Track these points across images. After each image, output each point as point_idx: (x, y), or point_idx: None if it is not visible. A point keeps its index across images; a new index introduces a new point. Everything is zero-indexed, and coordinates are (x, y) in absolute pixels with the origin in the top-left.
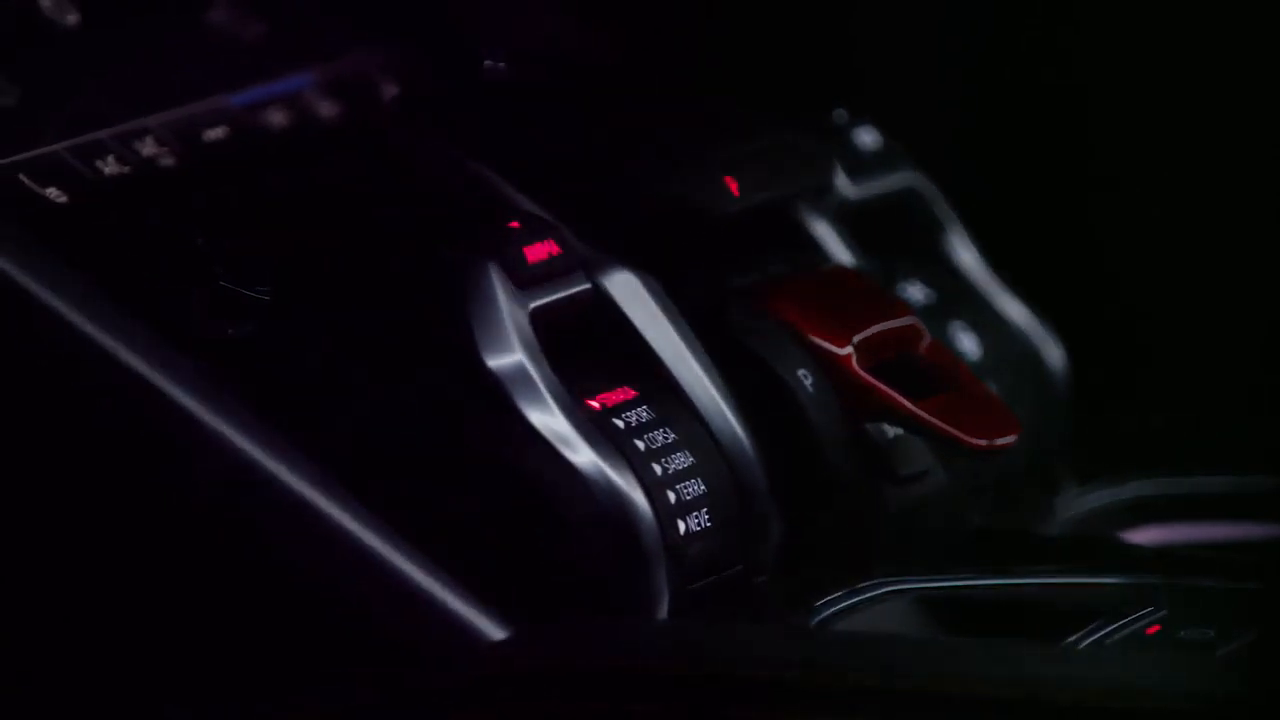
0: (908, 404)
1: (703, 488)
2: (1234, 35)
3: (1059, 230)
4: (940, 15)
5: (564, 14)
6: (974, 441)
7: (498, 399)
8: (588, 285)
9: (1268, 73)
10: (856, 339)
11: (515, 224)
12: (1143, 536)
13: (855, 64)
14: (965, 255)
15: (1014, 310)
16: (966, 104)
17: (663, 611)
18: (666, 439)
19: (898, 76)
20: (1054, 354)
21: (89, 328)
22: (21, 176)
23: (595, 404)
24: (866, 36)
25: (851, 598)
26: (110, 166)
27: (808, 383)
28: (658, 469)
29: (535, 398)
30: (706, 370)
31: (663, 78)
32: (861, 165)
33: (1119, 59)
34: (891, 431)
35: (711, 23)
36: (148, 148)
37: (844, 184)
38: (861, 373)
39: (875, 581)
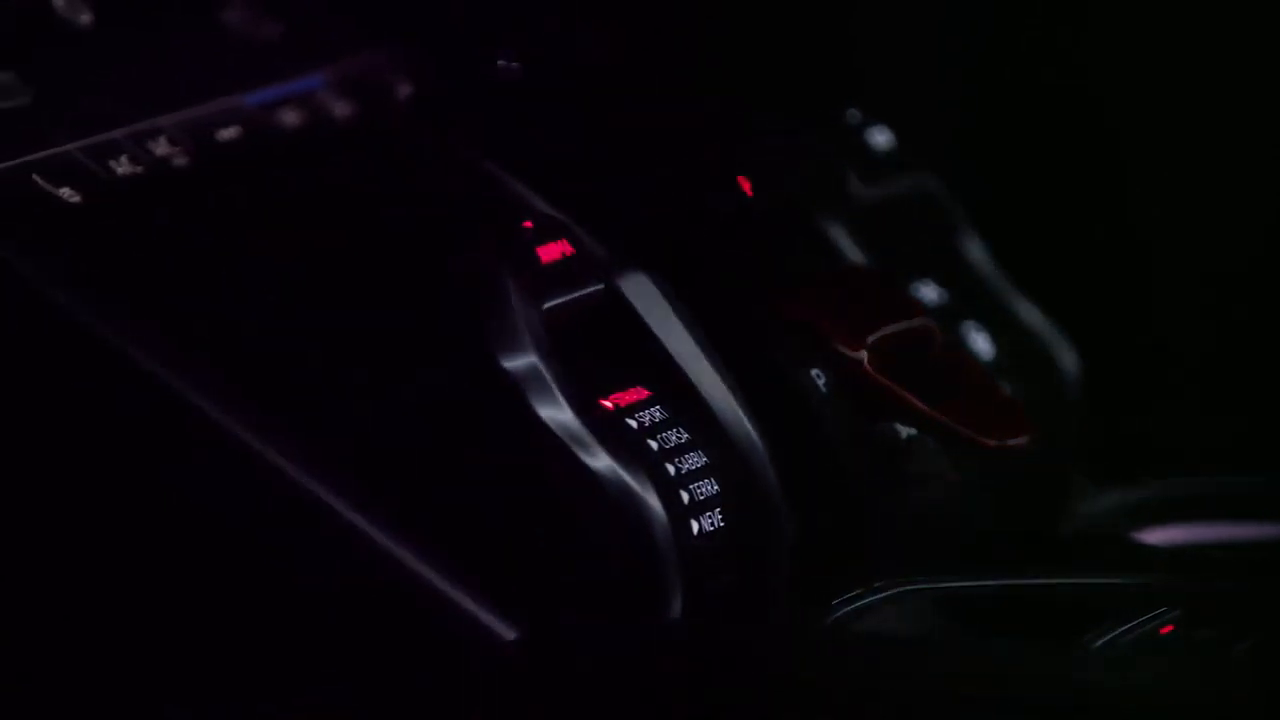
0: (921, 404)
1: (716, 488)
2: (1236, 33)
3: (1059, 230)
4: (940, 15)
5: (570, 15)
6: (987, 442)
7: (511, 399)
8: (601, 285)
9: (1268, 73)
10: (870, 340)
11: (528, 224)
12: (1156, 537)
13: (855, 64)
14: (977, 256)
15: (1026, 311)
16: (966, 104)
17: (675, 611)
18: (680, 439)
19: (898, 77)
20: (1066, 355)
21: (101, 328)
22: (35, 176)
23: (608, 404)
24: (867, 37)
25: (866, 598)
26: (123, 166)
27: (821, 383)
28: (671, 469)
29: (548, 398)
30: (720, 370)
31: (665, 78)
32: (874, 165)
33: (1119, 58)
34: (905, 432)
35: (713, 23)
36: (161, 147)
37: (857, 184)
38: (875, 374)
39: (889, 581)
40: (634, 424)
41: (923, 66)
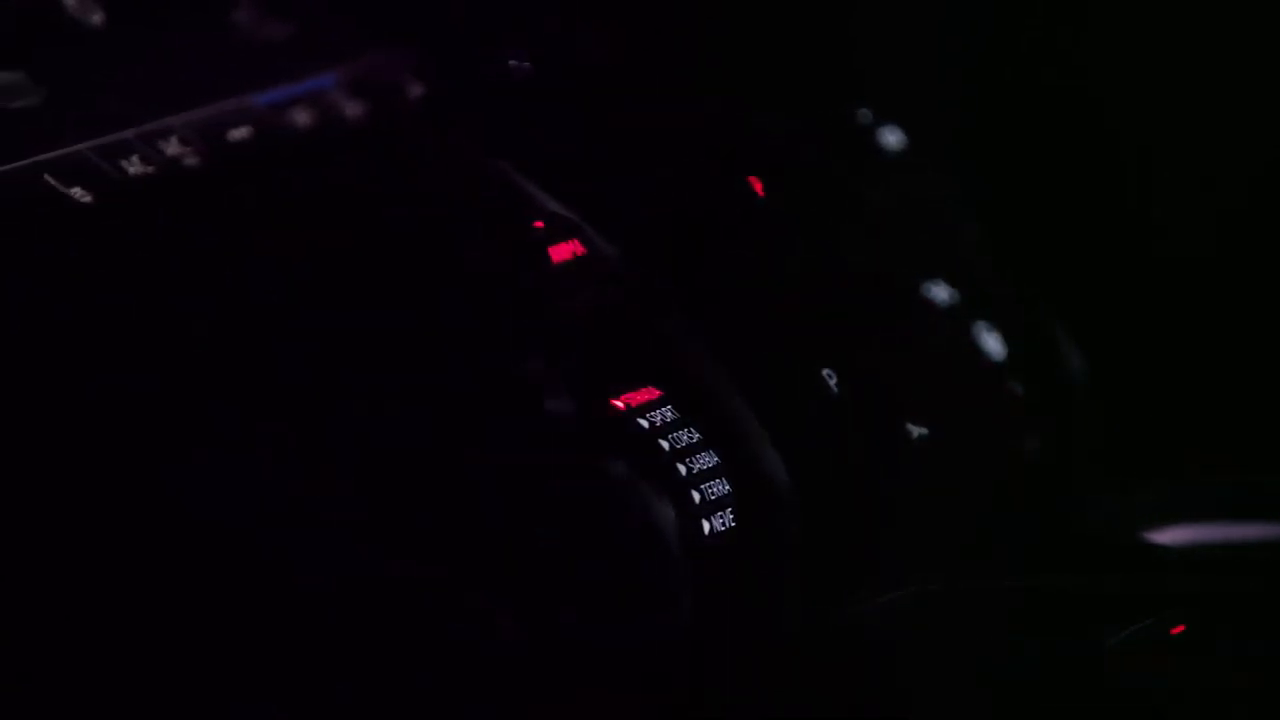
0: (931, 405)
1: (727, 487)
2: (1236, 32)
3: (1060, 230)
4: (941, 15)
5: (581, 15)
6: (998, 442)
7: (522, 399)
8: (612, 285)
9: (1269, 72)
10: (880, 340)
11: (539, 224)
12: (1166, 537)
13: (856, 64)
14: (987, 257)
15: (1037, 312)
16: (967, 104)
17: (687, 611)
18: (691, 439)
19: (898, 77)
20: (1076, 355)
21: (113, 328)
22: (46, 176)
23: (620, 404)
24: (868, 37)
25: (880, 598)
26: (135, 166)
27: (832, 383)
28: (682, 469)
29: (559, 398)
30: (731, 370)
31: (674, 79)
32: (885, 166)
33: (1120, 58)
34: (916, 432)
35: (720, 23)
36: (172, 147)
37: (868, 184)
38: (884, 374)
39: (902, 580)
40: (645, 424)
41: (923, 67)
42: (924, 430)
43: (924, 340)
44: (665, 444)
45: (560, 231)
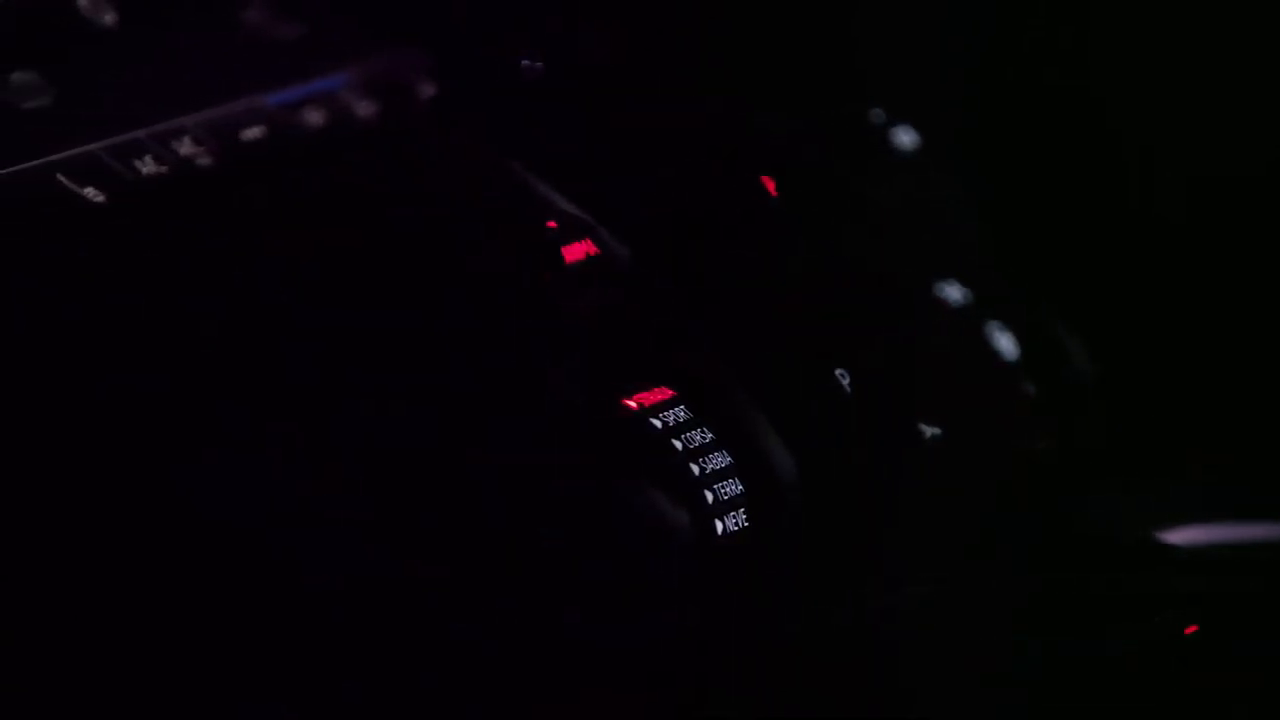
0: (941, 406)
1: (740, 487)
2: (1238, 32)
3: (1063, 230)
4: (943, 15)
5: (592, 16)
6: (1009, 442)
7: (533, 399)
8: (625, 285)
9: (1270, 71)
10: (890, 341)
11: (552, 224)
12: (1177, 537)
13: (859, 65)
14: (991, 257)
15: (1040, 312)
16: (969, 104)
17: (699, 610)
18: (704, 439)
19: (901, 77)
20: (1080, 355)
21: (126, 328)
22: (59, 176)
23: (633, 404)
24: (870, 37)
25: (888, 594)
26: (148, 166)
27: (845, 383)
28: (695, 469)
29: (572, 398)
30: (744, 370)
31: (685, 79)
32: (889, 166)
33: (1122, 58)
34: (928, 431)
35: (717, 23)
36: (185, 147)
37: (872, 184)
38: (895, 374)
39: (906, 579)
40: (658, 424)
41: (926, 67)
42: (936, 430)
43: (931, 340)
44: (678, 444)
45: (573, 231)
